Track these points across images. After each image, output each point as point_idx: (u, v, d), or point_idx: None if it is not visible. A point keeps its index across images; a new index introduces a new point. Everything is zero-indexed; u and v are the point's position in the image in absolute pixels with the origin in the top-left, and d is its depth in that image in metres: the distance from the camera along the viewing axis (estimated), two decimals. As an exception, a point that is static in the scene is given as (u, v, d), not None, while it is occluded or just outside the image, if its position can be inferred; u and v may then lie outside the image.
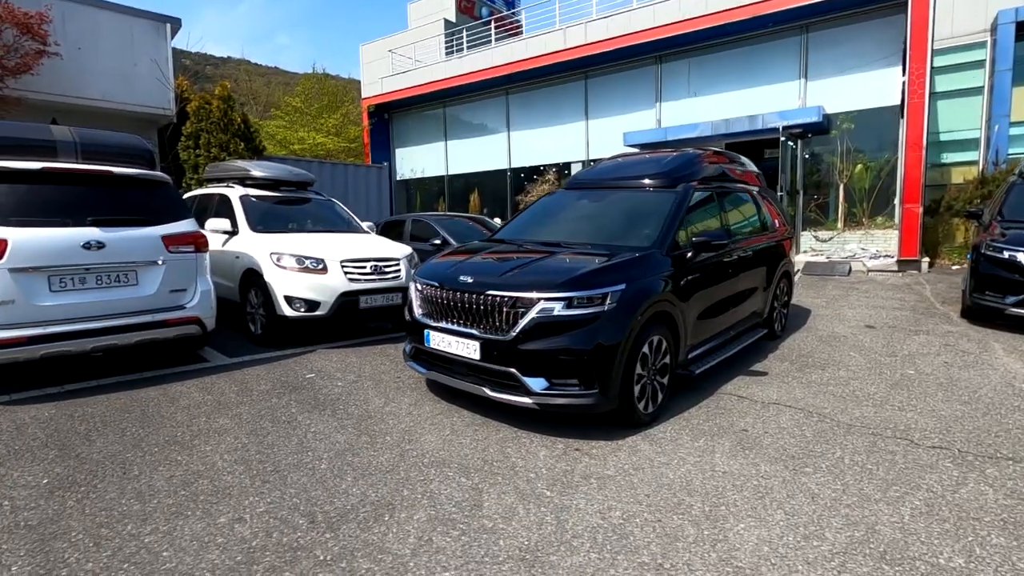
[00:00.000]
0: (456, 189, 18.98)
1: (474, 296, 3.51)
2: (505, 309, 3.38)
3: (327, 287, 5.50)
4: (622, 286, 3.41)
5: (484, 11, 22.16)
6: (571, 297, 3.29)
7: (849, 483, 2.91)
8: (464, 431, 3.55)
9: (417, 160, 19.96)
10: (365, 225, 7.46)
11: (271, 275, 5.51)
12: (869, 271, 10.27)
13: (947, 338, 5.94)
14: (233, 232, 6.21)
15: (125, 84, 9.34)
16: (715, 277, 4.46)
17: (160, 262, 4.36)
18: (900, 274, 10.05)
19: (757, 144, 12.93)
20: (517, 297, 3.36)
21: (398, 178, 20.54)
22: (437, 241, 8.53)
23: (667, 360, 3.80)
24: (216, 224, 6.17)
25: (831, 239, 11.99)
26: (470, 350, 3.50)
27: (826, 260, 10.89)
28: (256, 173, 6.92)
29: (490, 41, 17.52)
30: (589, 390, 3.29)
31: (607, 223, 4.56)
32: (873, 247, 11.40)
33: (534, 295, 3.32)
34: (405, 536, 2.39)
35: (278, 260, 5.54)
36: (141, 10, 9.56)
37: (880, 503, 2.72)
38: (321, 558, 2.23)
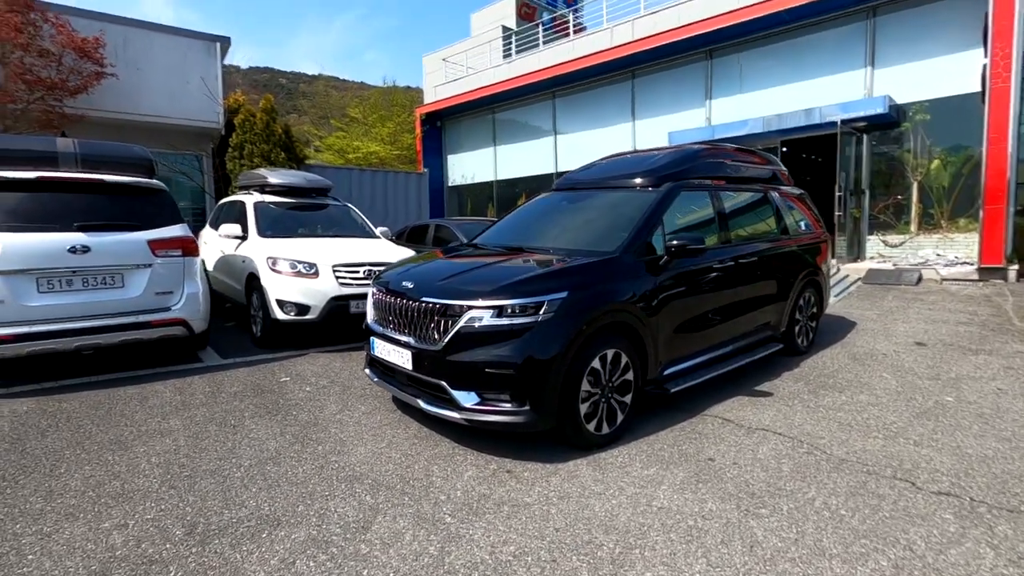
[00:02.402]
0: (504, 194, 18.92)
1: (411, 302, 3.34)
2: (436, 317, 3.18)
3: (317, 291, 5.53)
4: (563, 294, 3.10)
5: (546, 16, 21.90)
6: (501, 306, 3.03)
7: (807, 532, 2.45)
8: (400, 444, 3.38)
9: (467, 166, 20.12)
10: (379, 230, 7.50)
11: (266, 279, 5.62)
12: (943, 280, 9.05)
13: (1012, 360, 5.04)
14: (244, 237, 6.42)
15: (177, 100, 10.05)
16: (702, 285, 4.02)
17: (146, 265, 4.54)
18: (980, 284, 8.77)
19: (817, 141, 11.85)
20: (447, 304, 3.15)
21: (449, 184, 20.80)
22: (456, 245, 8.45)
23: (629, 377, 3.44)
24: (228, 229, 6.42)
25: (902, 244, 10.72)
26: (404, 359, 3.33)
27: (892, 268, 9.73)
28: (272, 180, 7.15)
29: (538, 44, 17.36)
30: (521, 407, 3.02)
31: (581, 226, 4.25)
32: (952, 253, 10.05)
33: (463, 303, 3.10)
34: (270, 557, 2.25)
35: (273, 264, 5.65)
36: (193, 31, 10.26)
37: (835, 560, 2.25)
38: (170, 574, 2.13)
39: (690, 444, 3.39)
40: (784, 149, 14.30)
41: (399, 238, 10.58)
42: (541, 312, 3.03)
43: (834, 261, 10.31)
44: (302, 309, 5.52)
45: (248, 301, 6.14)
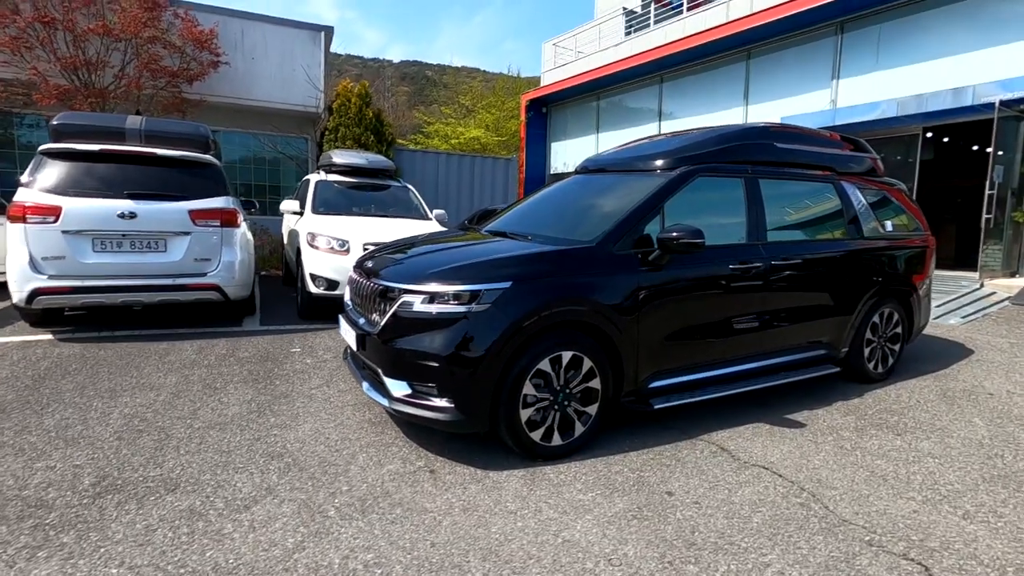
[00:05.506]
0: (604, 183, 18.21)
1: (365, 284, 3.22)
2: (378, 299, 3.03)
3: (345, 268, 5.64)
4: (505, 284, 2.77)
5: (677, -8, 20.41)
6: (433, 292, 2.78)
7: (730, 605, 1.93)
8: (347, 426, 3.29)
9: (569, 153, 19.67)
10: (434, 213, 7.52)
11: (304, 253, 5.88)
12: None
13: None
14: (301, 213, 6.79)
15: (285, 87, 10.94)
16: (713, 288, 3.41)
17: (186, 233, 4.94)
18: None
19: (976, 127, 9.70)
20: (388, 287, 2.97)
21: (551, 172, 20.51)
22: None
23: (595, 384, 3.01)
24: (287, 205, 6.83)
25: (1082, 258, 8.46)
26: (352, 340, 3.22)
27: (1058, 287, 7.71)
28: (337, 160, 7.47)
29: (649, 24, 16.33)
30: (448, 404, 2.76)
31: (577, 212, 3.83)
32: None
33: (400, 286, 2.90)
34: (139, 521, 2.26)
35: (312, 240, 5.88)
36: (300, 22, 11.07)
37: (742, 650, 1.73)
38: (46, 521, 2.22)
39: (657, 472, 2.89)
40: (945, 139, 12.05)
41: (470, 221, 10.61)
42: (475, 303, 2.73)
43: (975, 275, 8.44)
44: (331, 284, 5.69)
45: (297, 273, 6.48)
